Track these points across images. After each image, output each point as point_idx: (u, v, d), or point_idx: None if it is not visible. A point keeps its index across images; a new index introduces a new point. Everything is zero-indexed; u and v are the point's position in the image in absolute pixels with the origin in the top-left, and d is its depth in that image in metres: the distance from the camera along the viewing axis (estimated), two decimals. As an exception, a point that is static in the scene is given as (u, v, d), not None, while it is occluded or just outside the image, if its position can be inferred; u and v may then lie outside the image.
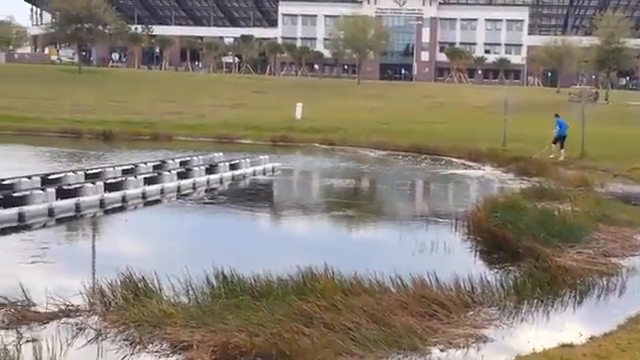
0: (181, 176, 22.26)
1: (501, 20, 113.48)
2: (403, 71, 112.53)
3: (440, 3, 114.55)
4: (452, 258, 13.82)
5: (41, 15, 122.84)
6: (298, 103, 47.19)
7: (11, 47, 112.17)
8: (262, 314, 9.07)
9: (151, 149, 32.28)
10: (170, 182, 21.40)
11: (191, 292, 10.13)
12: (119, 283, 10.11)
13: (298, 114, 46.49)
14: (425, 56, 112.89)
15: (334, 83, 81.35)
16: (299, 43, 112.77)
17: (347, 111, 50.95)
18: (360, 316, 9.20)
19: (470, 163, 31.11)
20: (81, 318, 9.29)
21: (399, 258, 13.38)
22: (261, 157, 27.29)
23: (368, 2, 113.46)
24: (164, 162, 24.21)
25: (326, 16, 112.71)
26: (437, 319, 9.58)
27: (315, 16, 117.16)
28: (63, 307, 9.53)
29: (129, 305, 9.48)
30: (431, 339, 8.95)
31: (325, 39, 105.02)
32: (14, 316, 9.22)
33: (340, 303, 9.56)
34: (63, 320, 9.25)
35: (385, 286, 10.60)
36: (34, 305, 9.60)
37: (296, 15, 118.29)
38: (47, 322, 9.20)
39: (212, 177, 23.41)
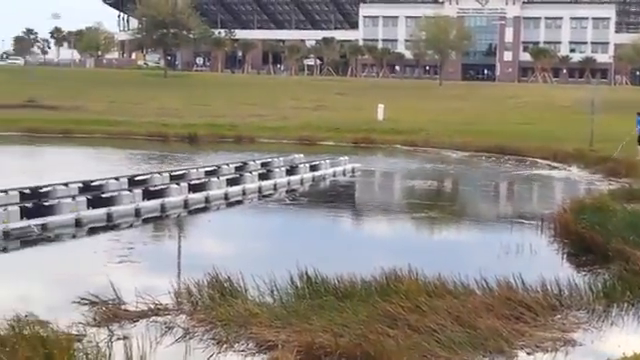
0: (262, 177, 22.52)
1: (587, 18, 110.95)
2: (486, 71, 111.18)
3: (524, 2, 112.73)
4: (538, 260, 13.59)
5: (128, 21, 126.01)
6: (379, 104, 47.11)
7: (100, 53, 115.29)
8: (346, 315, 9.09)
9: (234, 151, 32.70)
10: (251, 183, 21.67)
11: (276, 292, 10.23)
12: (206, 283, 10.28)
13: (380, 115, 46.41)
14: (508, 56, 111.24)
15: (415, 84, 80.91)
16: (380, 45, 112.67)
17: (429, 112, 50.61)
18: (445, 318, 9.13)
19: (555, 164, 30.48)
20: (169, 317, 9.49)
21: (483, 260, 13.22)
22: (341, 158, 27.34)
23: (450, 2, 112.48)
24: (246, 163, 24.51)
25: (407, 17, 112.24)
26: (523, 322, 9.43)
27: (396, 17, 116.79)
28: (152, 306, 9.74)
29: (216, 304, 9.63)
30: (518, 342, 8.82)
31: (406, 40, 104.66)
32: (105, 314, 9.48)
33: (424, 305, 9.51)
34: (152, 319, 9.46)
35: (470, 288, 10.50)
36: (124, 304, 9.85)
37: (377, 17, 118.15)
38: (137, 320, 9.42)
39: (293, 178, 23.58)
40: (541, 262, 13.35)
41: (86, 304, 9.89)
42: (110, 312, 9.52)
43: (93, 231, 16.03)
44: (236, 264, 11.28)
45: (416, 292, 9.94)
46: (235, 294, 10.02)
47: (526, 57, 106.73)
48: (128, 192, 18.00)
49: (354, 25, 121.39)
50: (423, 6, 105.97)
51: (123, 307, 9.73)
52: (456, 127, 42.23)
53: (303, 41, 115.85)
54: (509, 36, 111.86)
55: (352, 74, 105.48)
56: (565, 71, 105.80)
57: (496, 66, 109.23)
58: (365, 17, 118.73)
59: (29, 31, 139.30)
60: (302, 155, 27.30)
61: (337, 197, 23.27)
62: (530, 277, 10.86)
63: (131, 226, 17.02)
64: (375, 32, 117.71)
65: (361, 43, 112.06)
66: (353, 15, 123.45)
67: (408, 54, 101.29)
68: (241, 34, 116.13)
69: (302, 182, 23.86)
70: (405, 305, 9.40)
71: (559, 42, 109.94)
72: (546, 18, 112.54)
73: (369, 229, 18.52)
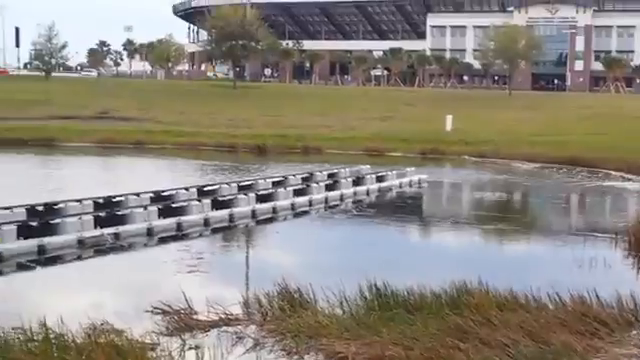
0: (329, 188, 22.61)
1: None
2: (556, 81, 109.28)
3: (595, 10, 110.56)
4: (613, 274, 13.30)
5: (198, 33, 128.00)
6: (448, 115, 46.79)
7: (170, 64, 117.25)
8: (416, 328, 9.03)
9: (301, 162, 32.87)
10: (318, 194, 21.77)
11: (345, 304, 10.22)
12: (275, 293, 10.35)
13: (448, 126, 46.09)
14: (579, 65, 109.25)
15: (484, 94, 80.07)
16: (448, 54, 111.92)
17: (498, 123, 50.02)
18: (517, 332, 8.99)
19: (629, 176, 29.78)
20: (240, 327, 9.57)
21: (555, 273, 13.01)
22: (407, 169, 27.24)
23: (519, 12, 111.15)
24: (312, 174, 24.64)
25: (475, 27, 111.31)
26: (598, 338, 9.22)
27: (464, 27, 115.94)
28: (222, 316, 9.85)
29: (285, 315, 9.68)
30: (593, 358, 8.63)
31: (474, 50, 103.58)
32: (178, 323, 9.62)
33: (495, 318, 9.39)
34: (223, 328, 9.56)
35: (542, 302, 10.33)
36: (196, 313, 9.97)
37: (445, 27, 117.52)
38: (208, 330, 9.53)
39: (359, 189, 23.62)
40: (616, 276, 13.06)
41: (159, 313, 10.05)
42: (182, 321, 9.65)
43: (163, 240, 16.30)
44: (304, 275, 11.33)
45: (487, 305, 9.82)
46: (305, 305, 10.05)
47: (598, 66, 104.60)
48: (197, 202, 18.29)
49: (421, 35, 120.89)
50: (492, 15, 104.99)
51: (195, 317, 9.85)
52: (526, 138, 41.66)
53: (370, 51, 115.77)
54: (580, 45, 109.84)
55: (420, 84, 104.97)
56: (639, 81, 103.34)
57: (567, 76, 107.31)
58: (433, 27, 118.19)
59: (102, 43, 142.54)
60: (368, 166, 27.30)
61: (404, 208, 23.17)
62: (604, 292, 10.61)
63: (200, 236, 17.25)
64: (443, 42, 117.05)
65: (429, 53, 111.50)
66: (420, 25, 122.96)
67: (476, 64, 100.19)
68: (309, 45, 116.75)
69: (368, 193, 23.86)
70: (476, 319, 9.30)
71: (632, 51, 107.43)
72: (618, 27, 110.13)
73: (437, 241, 18.39)
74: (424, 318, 9.38)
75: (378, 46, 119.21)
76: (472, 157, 36.96)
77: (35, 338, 8.23)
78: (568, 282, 11.42)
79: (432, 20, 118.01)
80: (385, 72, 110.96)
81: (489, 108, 61.00)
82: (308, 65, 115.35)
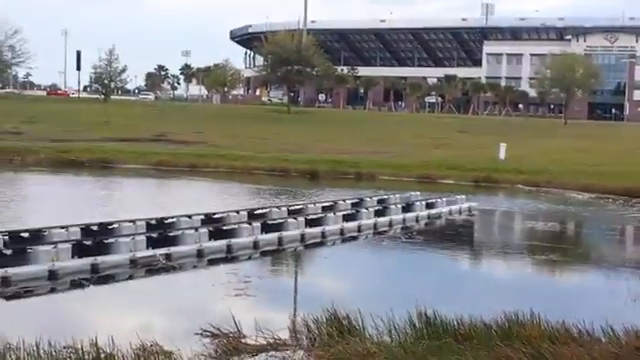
0: (378, 214, 22.54)
1: None
2: (614, 111, 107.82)
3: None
4: (669, 310, 12.97)
5: (254, 58, 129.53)
6: (502, 143, 46.35)
7: (226, 89, 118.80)
8: (465, 358, 8.92)
9: (353, 188, 32.85)
10: (367, 219, 21.72)
11: (394, 332, 10.15)
12: (324, 319, 10.32)
13: (502, 154, 45.64)
14: (638, 95, 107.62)
15: (539, 123, 79.32)
16: (503, 82, 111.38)
17: (553, 152, 49.41)
18: (568, 366, 8.82)
19: (688, 208, 29.12)
20: (288, 352, 9.56)
21: (609, 307, 12.74)
22: (457, 197, 27.05)
23: (577, 40, 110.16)
24: (362, 200, 24.63)
25: (532, 55, 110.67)
26: (653, 374, 9.00)
27: (520, 55, 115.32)
28: (271, 340, 9.85)
29: (334, 342, 9.64)
30: (646, 396, 8.42)
31: (530, 78, 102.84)
32: (226, 347, 9.64)
33: (547, 351, 9.21)
34: (271, 353, 9.55)
35: (595, 336, 10.11)
36: (244, 337, 9.99)
37: (501, 54, 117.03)
38: (256, 354, 9.53)
39: (408, 215, 23.50)
40: (673, 311, 12.73)
41: (208, 336, 10.09)
42: (230, 345, 9.67)
43: (212, 262, 16.40)
44: (352, 301, 11.28)
45: (538, 337, 9.66)
46: (353, 332, 10.00)
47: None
48: (247, 225, 18.40)
49: (477, 62, 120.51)
50: (549, 43, 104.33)
51: (243, 340, 9.87)
52: (582, 168, 41.03)
53: (425, 78, 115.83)
54: (639, 74, 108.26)
55: (474, 112, 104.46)
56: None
57: (625, 105, 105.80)
58: (488, 54, 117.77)
59: (160, 67, 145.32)
60: (418, 192, 27.18)
61: (453, 236, 22.96)
62: (661, 327, 10.36)
63: (249, 258, 17.35)
64: (498, 70, 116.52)
65: (484, 81, 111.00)
66: (476, 52, 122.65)
67: (532, 92, 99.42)
68: (363, 71, 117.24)
69: (417, 220, 23.73)
70: (527, 351, 9.14)
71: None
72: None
73: (487, 270, 18.19)
74: (474, 348, 9.26)
75: (433, 73, 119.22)
76: (526, 186, 36.49)
77: (86, 357, 8.32)
78: (622, 316, 11.17)
79: (488, 47, 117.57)
80: (439, 99, 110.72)
81: (544, 137, 60.36)
82: (362, 91, 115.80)
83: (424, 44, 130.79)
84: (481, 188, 35.60)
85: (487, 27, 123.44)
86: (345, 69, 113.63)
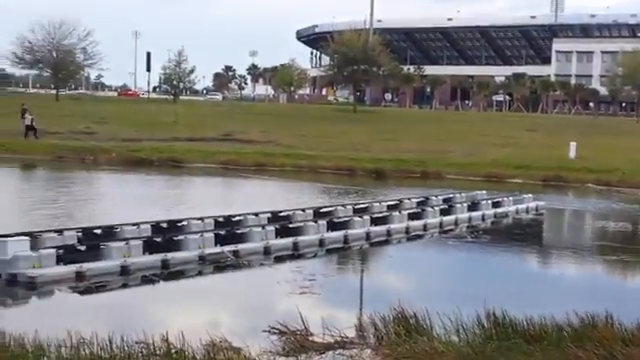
0: (444, 213, 22.42)
1: None
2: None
3: None
4: None
5: (320, 58, 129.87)
6: (571, 142, 45.53)
7: (292, 88, 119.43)
8: (535, 359, 8.79)
9: (419, 187, 32.66)
10: (433, 218, 21.62)
11: (461, 331, 10.05)
12: (391, 318, 10.28)
13: (571, 153, 44.81)
14: None
15: (610, 121, 77.63)
16: (573, 80, 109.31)
17: (625, 150, 48.26)
18: (642, 369, 8.61)
19: None
20: (355, 350, 9.55)
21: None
22: (524, 196, 26.68)
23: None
24: (427, 199, 24.52)
25: (603, 52, 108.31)
26: None
27: (591, 53, 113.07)
28: (338, 338, 9.85)
29: (401, 340, 9.60)
30: None
31: (601, 76, 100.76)
32: (294, 344, 9.69)
33: (620, 354, 9.00)
34: (338, 351, 9.55)
35: (671, 339, 9.84)
36: (311, 335, 10.02)
37: (571, 52, 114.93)
38: (323, 352, 9.54)
39: (474, 214, 23.30)
40: None
41: (275, 333, 10.15)
42: (298, 342, 9.71)
43: (279, 259, 16.51)
44: (417, 300, 11.21)
45: (611, 340, 9.44)
46: (420, 331, 9.94)
47: None
48: (313, 223, 18.50)
49: (546, 60, 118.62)
50: (621, 40, 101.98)
51: (310, 338, 9.90)
52: (655, 167, 40.00)
53: (492, 77, 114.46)
54: None
55: (543, 110, 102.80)
56: None
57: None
58: (558, 52, 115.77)
59: (228, 68, 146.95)
60: (484, 191, 26.92)
61: (520, 235, 22.63)
62: None
63: (315, 256, 17.44)
64: (568, 67, 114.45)
65: (553, 79, 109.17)
66: (545, 50, 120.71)
67: (603, 90, 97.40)
68: (430, 70, 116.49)
69: (484, 218, 23.52)
70: (599, 353, 8.94)
71: None
72: None
73: (556, 270, 17.88)
74: (544, 349, 9.11)
75: (501, 71, 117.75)
76: (596, 185, 35.79)
77: (157, 353, 8.44)
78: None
79: (558, 45, 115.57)
80: (507, 97, 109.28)
81: (615, 135, 59.04)
82: (429, 90, 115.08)
83: (492, 42, 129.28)
84: (550, 187, 35.05)
85: (556, 24, 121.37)
86: (411, 68, 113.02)
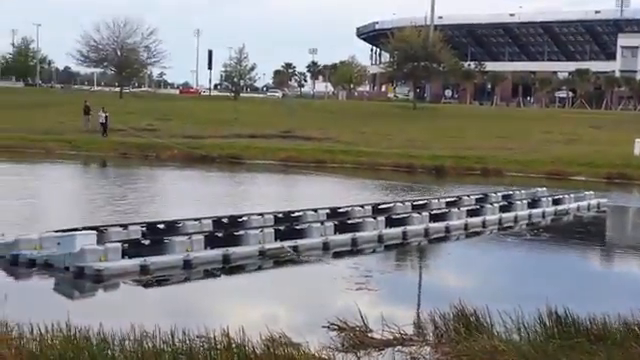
0: (503, 209, 22.21)
1: None
2: None
3: None
4: None
5: (380, 55, 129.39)
6: (637, 139, 44.57)
7: (352, 85, 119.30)
8: (598, 359, 8.65)
9: (479, 184, 32.37)
10: (492, 215, 21.45)
11: (522, 330, 9.94)
12: (451, 315, 10.23)
13: (637, 150, 43.88)
14: None
15: (678, 118, 75.56)
16: (639, 76, 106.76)
17: (694, 148, 46.99)
18: None
19: None
20: (414, 347, 9.54)
21: None
22: (586, 193, 26.24)
23: None
24: (487, 195, 24.33)
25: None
26: None
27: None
28: (397, 335, 9.84)
29: (461, 338, 9.54)
30: None
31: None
32: (353, 340, 9.71)
33: (687, 354, 8.81)
34: (397, 348, 9.55)
35: None
36: (370, 331, 10.03)
37: (636, 47, 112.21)
38: (382, 349, 9.55)
39: (534, 211, 23.04)
40: None
41: (334, 329, 10.17)
42: (357, 339, 9.73)
43: (337, 255, 16.56)
44: (477, 298, 11.11)
45: (678, 339, 9.25)
46: (480, 329, 9.87)
47: None
48: (372, 219, 18.51)
49: (611, 56, 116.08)
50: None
51: (369, 334, 9.91)
52: None
53: (555, 73, 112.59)
54: None
55: (607, 107, 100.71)
56: None
57: None
58: (623, 47, 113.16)
59: (288, 65, 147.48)
60: (545, 188, 26.59)
61: (581, 233, 22.22)
62: None
63: (373, 252, 17.47)
64: (634, 63, 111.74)
65: (618, 74, 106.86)
66: (610, 46, 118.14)
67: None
68: (491, 66, 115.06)
69: (544, 216, 23.23)
70: (665, 352, 8.77)
71: None
72: None
73: (619, 268, 17.55)
74: (607, 349, 8.95)
75: (564, 67, 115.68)
76: (664, 184, 35.00)
77: (218, 347, 8.53)
78: None
79: (623, 40, 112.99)
80: (570, 94, 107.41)
81: (684, 132, 57.52)
82: (490, 87, 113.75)
83: (555, 38, 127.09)
84: (614, 185, 34.41)
85: (622, 19, 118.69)
86: (472, 64, 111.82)
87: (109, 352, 8.12)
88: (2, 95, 79.30)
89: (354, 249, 17.09)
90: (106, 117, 48.77)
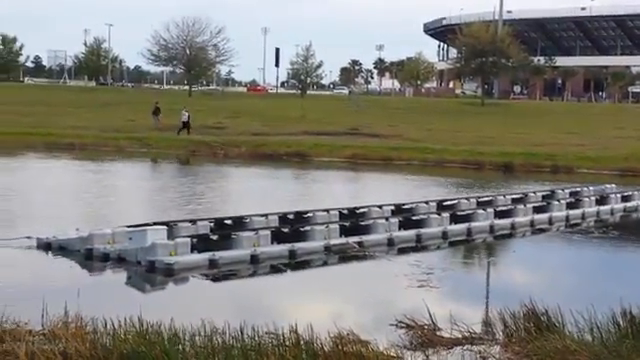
0: (570, 206, 21.83)
1: None
2: None
3: None
4: None
5: (447, 51, 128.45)
6: None
7: (419, 82, 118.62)
8: (674, 361, 8.40)
9: (549, 181, 31.83)
10: (559, 212, 21.11)
11: (595, 330, 9.71)
12: (521, 314, 10.06)
13: None
14: None
15: None
16: None
17: None
18: None
19: None
20: (484, 346, 9.41)
21: None
22: None
23: None
24: (554, 192, 23.97)
25: None
26: None
27: None
28: (466, 334, 9.72)
29: (531, 338, 9.38)
30: None
31: None
32: (421, 338, 9.63)
33: None
34: (466, 347, 9.44)
35: None
36: (439, 329, 9.94)
37: None
38: (451, 347, 9.44)
39: (602, 208, 22.61)
40: None
41: (402, 327, 10.10)
42: (425, 337, 9.65)
43: (402, 251, 16.48)
44: (545, 296, 10.90)
45: None
46: (552, 329, 9.68)
47: None
48: (437, 215, 18.41)
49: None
50: None
51: (438, 333, 9.82)
52: None
53: (628, 67, 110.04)
54: None
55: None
56: None
57: None
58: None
59: (354, 62, 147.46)
60: (614, 185, 26.03)
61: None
62: None
63: (438, 248, 17.38)
64: None
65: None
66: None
67: None
68: (561, 61, 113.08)
69: (612, 213, 22.77)
70: None
71: None
72: None
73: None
74: (684, 350, 8.70)
75: (637, 62, 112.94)
76: None
77: (286, 344, 8.54)
78: None
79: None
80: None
81: None
82: (560, 82, 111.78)
83: (628, 32, 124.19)
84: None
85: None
86: (542, 59, 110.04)
87: (180, 347, 8.20)
88: (77, 94, 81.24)
89: (418, 245, 17.02)
90: (188, 116, 49.37)
